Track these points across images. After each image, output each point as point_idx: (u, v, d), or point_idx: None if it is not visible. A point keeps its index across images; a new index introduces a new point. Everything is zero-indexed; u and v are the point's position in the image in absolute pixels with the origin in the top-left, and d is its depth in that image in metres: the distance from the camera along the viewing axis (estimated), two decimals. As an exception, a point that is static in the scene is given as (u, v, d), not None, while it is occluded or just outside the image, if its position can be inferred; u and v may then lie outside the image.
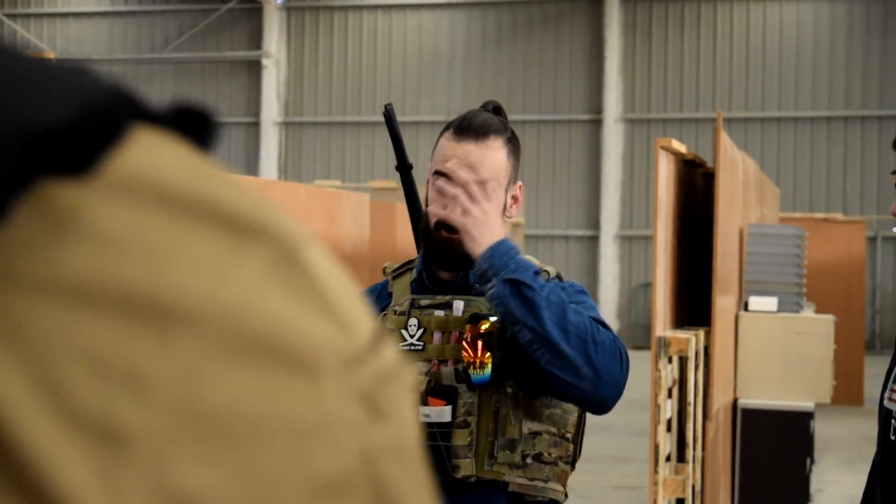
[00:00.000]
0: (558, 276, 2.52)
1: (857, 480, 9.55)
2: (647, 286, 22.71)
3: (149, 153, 0.41)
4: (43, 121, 0.39)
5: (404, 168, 2.65)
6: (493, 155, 2.47)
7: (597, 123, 23.03)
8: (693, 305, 6.34)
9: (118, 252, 0.39)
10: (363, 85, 24.02)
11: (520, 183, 2.57)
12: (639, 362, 13.91)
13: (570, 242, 23.10)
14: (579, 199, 23.13)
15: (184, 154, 0.42)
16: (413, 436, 0.44)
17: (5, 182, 0.38)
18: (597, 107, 23.00)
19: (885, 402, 2.07)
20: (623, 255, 23.03)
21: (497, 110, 2.60)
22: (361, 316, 0.44)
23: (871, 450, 11.04)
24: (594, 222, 23.03)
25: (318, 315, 0.42)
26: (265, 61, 24.25)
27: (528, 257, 2.49)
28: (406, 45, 23.95)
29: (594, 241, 23.03)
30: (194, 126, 0.43)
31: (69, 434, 0.37)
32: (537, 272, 2.38)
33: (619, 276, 22.93)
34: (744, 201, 7.35)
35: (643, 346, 20.82)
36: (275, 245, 0.42)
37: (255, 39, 24.55)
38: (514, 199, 2.55)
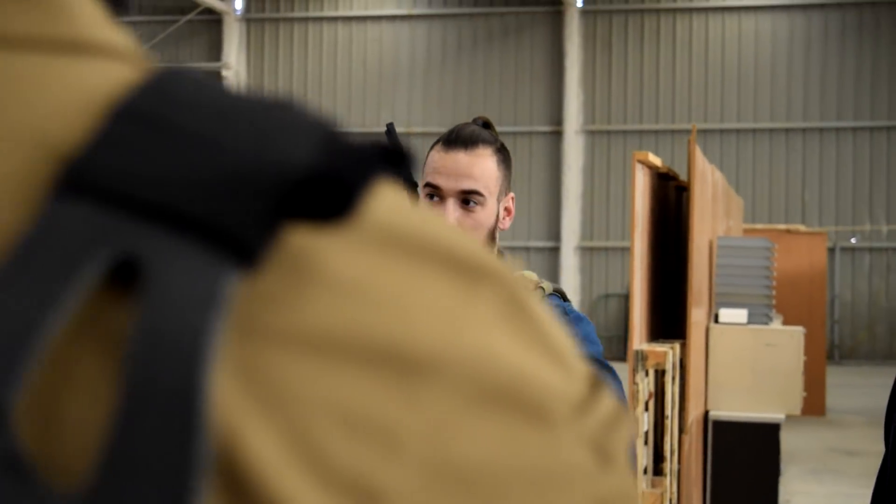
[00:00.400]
0: (561, 295, 2.50)
1: (824, 491, 9.59)
2: (608, 297, 22.78)
3: (375, 196, 0.40)
4: (299, 164, 0.37)
5: (410, 187, 2.63)
6: (482, 163, 2.46)
7: (557, 135, 23.10)
8: (664, 318, 6.34)
9: (359, 301, 0.38)
10: (323, 97, 23.97)
11: (512, 194, 2.56)
12: (606, 374, 13.97)
13: (531, 254, 23.13)
14: (540, 210, 23.18)
15: (399, 194, 0.41)
16: (633, 483, 0.44)
17: (260, 229, 0.36)
18: (557, 118, 23.08)
19: (900, 420, 2.06)
20: (584, 267, 23.09)
21: (486, 125, 2.59)
22: (579, 359, 0.43)
23: (836, 460, 11.05)
24: (555, 234, 23.08)
25: (546, 360, 0.41)
26: (225, 73, 24.16)
27: (528, 273, 2.47)
28: (366, 57, 23.94)
29: (555, 252, 23.08)
30: (395, 165, 0.40)
31: (326, 493, 0.36)
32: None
33: (580, 288, 22.99)
34: (713, 213, 7.38)
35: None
36: (499, 287, 0.41)
37: (215, 51, 24.47)
38: (507, 210, 2.54)
